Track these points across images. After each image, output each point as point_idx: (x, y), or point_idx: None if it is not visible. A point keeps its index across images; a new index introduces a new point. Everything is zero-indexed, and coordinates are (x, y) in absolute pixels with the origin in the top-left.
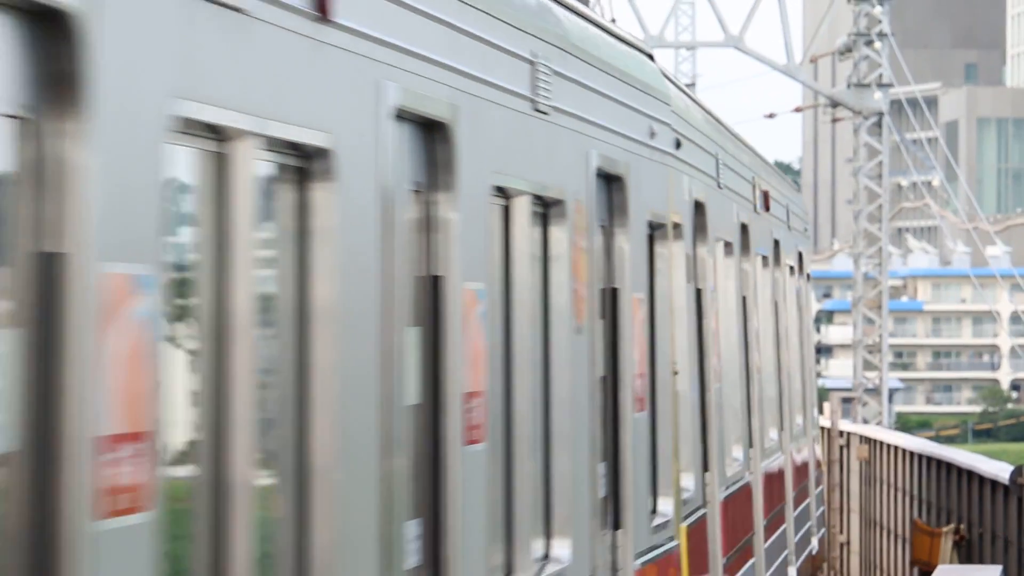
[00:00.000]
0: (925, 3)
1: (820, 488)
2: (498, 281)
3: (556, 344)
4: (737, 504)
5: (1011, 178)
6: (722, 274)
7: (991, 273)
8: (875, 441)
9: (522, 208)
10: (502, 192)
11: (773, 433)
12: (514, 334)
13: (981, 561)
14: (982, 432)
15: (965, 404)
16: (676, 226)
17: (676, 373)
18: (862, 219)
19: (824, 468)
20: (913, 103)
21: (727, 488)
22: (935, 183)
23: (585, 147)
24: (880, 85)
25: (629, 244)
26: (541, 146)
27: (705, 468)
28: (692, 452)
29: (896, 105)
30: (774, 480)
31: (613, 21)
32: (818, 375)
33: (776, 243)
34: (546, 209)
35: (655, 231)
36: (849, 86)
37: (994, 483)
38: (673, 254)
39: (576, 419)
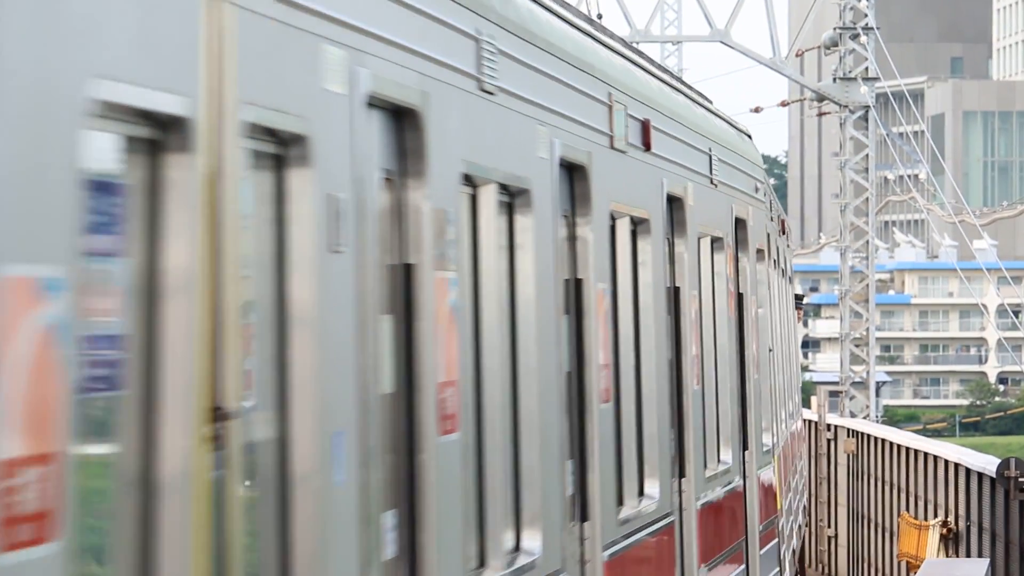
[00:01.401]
0: None
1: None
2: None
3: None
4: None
5: (997, 171)
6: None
7: (978, 266)
8: (862, 434)
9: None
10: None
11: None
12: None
13: (968, 554)
14: (969, 425)
15: (952, 397)
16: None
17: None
18: (849, 213)
19: (810, 464)
20: (899, 97)
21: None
22: (921, 176)
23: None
24: (866, 79)
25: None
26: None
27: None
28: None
29: (882, 99)
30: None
31: (599, 16)
32: (805, 369)
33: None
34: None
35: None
36: (835, 80)
37: (981, 476)
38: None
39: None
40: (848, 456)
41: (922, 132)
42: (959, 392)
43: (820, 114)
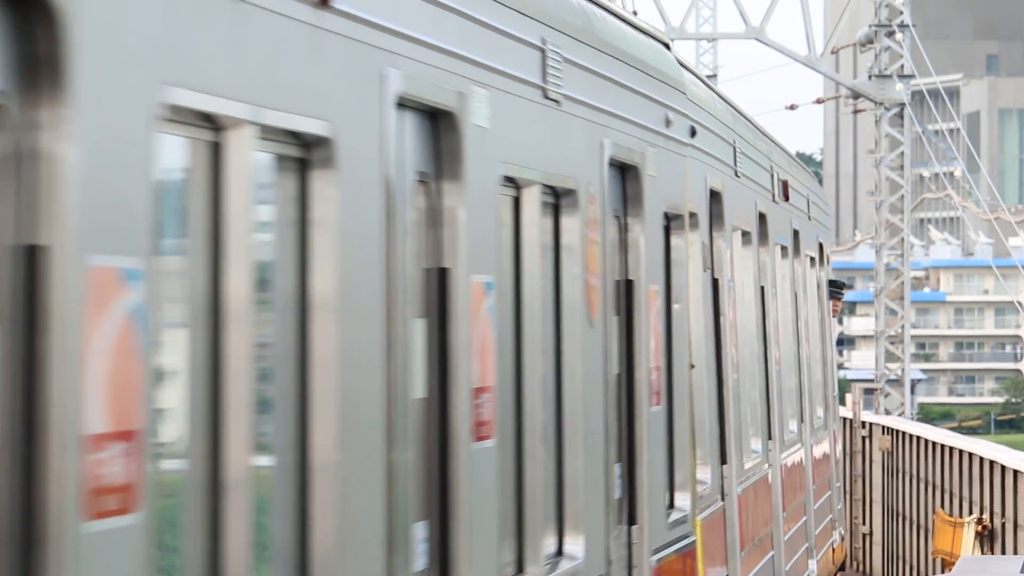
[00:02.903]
0: None
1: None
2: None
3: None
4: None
5: None
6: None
7: (1013, 264)
8: (897, 432)
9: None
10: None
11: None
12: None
13: (1003, 551)
14: (1004, 423)
15: (987, 395)
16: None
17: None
18: (884, 210)
19: (845, 461)
20: (934, 94)
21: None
22: (957, 174)
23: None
24: (901, 76)
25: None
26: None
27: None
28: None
29: (917, 96)
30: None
31: (635, 13)
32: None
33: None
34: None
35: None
36: (870, 77)
37: (1016, 473)
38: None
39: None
40: (883, 453)
41: (957, 130)
42: (994, 390)
43: (856, 111)
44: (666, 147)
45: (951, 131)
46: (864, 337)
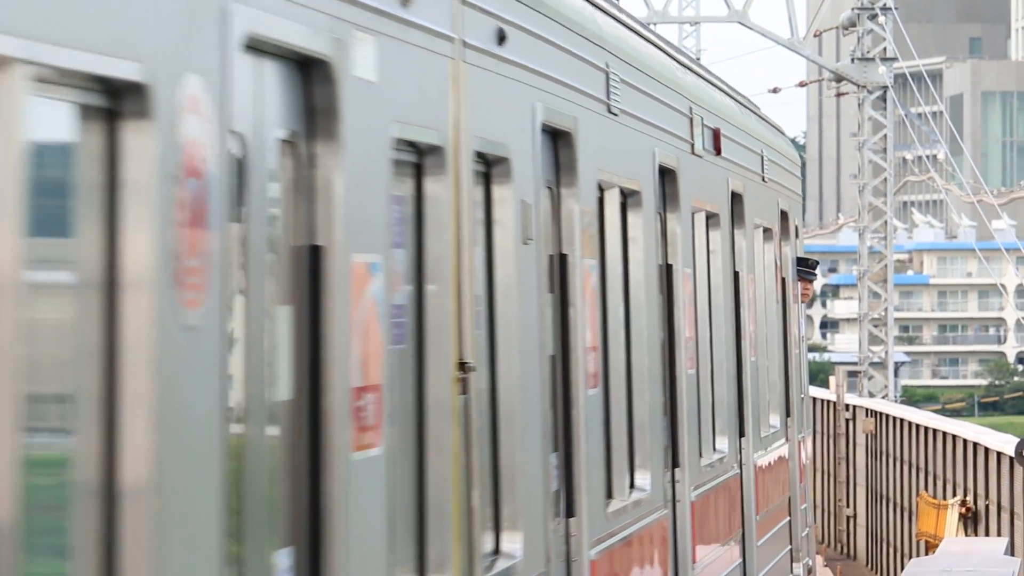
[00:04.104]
0: None
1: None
2: None
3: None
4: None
5: (1016, 151)
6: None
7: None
8: (881, 414)
9: None
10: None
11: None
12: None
13: (987, 533)
14: (988, 405)
15: (971, 377)
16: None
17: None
18: (867, 193)
19: (829, 444)
20: (917, 77)
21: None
22: (940, 157)
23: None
24: (884, 59)
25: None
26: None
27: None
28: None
29: (900, 79)
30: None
31: None
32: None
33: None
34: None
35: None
36: (853, 60)
37: (1000, 455)
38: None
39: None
40: (867, 436)
41: (941, 112)
42: (978, 372)
43: (838, 95)
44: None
45: (934, 114)
46: (848, 320)
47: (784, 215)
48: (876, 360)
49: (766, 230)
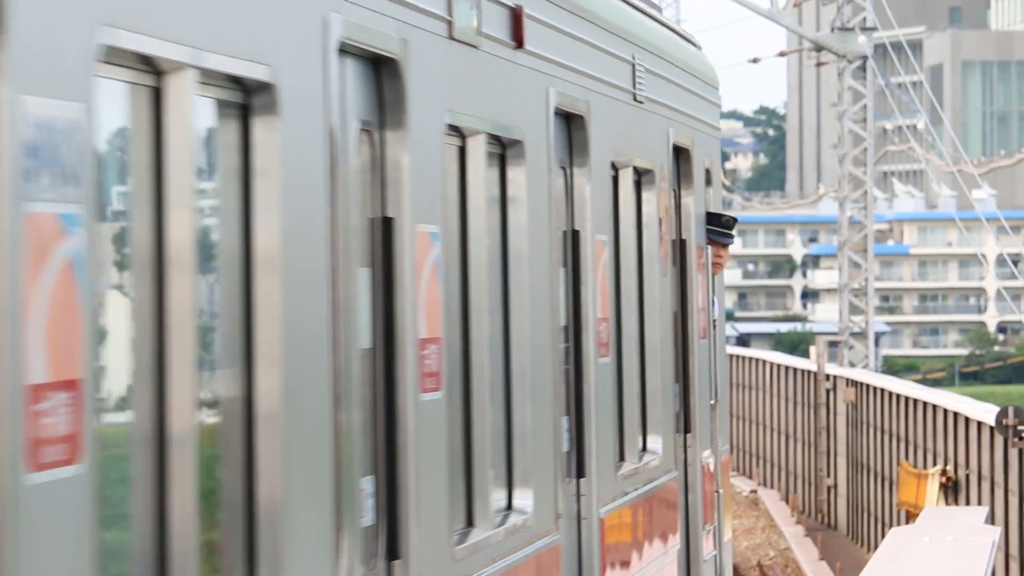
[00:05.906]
0: None
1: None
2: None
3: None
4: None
5: (996, 121)
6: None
7: (976, 216)
8: (862, 384)
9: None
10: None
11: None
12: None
13: (968, 502)
14: (969, 375)
15: (952, 347)
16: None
17: None
18: (847, 163)
19: (810, 414)
20: (897, 47)
21: None
22: (920, 126)
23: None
24: (864, 29)
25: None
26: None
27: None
28: None
29: (880, 49)
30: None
31: None
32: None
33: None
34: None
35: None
36: (833, 30)
37: (980, 425)
38: None
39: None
40: (847, 406)
41: (920, 82)
42: (958, 342)
43: (818, 64)
44: None
45: (914, 84)
46: (828, 290)
47: (681, 153)
48: (857, 330)
49: (643, 173)
